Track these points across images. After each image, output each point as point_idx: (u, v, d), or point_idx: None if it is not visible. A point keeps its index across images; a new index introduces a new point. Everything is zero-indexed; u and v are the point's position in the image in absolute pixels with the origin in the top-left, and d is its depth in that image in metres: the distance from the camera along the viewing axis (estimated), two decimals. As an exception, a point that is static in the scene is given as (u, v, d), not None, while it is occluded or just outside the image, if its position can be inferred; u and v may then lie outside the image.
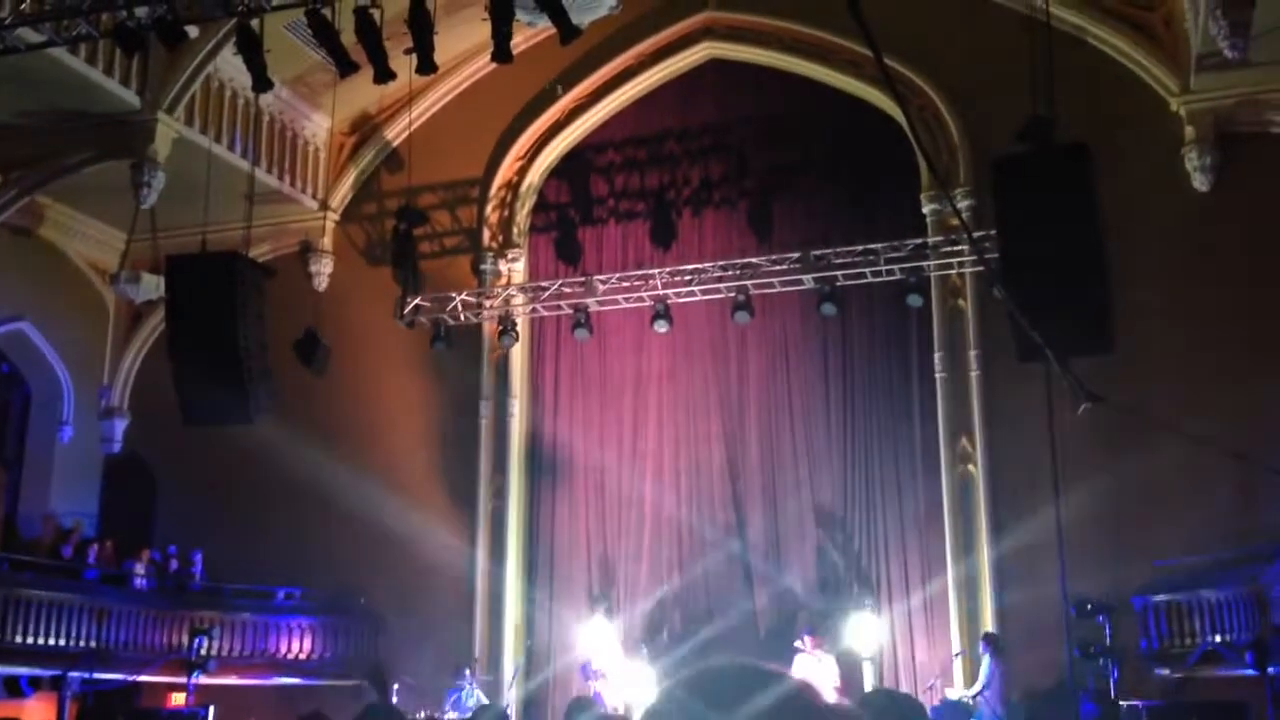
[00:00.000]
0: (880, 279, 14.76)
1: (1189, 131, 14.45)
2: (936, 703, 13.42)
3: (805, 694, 1.46)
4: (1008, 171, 10.76)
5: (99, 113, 14.61)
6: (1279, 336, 13.50)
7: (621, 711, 13.56)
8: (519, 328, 16.35)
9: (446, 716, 13.99)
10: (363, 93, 16.04)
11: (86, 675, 14.25)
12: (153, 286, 15.31)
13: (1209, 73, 13.93)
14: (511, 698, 15.31)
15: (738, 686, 1.43)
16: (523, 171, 17.48)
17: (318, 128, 17.70)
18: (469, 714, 13.47)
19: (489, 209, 17.44)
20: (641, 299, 15.54)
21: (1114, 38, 14.85)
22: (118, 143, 14.89)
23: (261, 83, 12.06)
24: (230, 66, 15.08)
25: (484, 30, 11.52)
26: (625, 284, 15.71)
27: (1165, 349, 13.80)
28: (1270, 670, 11.23)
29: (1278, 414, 13.17)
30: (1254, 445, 13.21)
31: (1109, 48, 14.89)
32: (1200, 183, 14.40)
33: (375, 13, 11.18)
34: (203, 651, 14.50)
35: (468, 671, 14.85)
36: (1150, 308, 13.50)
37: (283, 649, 16.01)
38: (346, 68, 12.26)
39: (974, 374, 15.01)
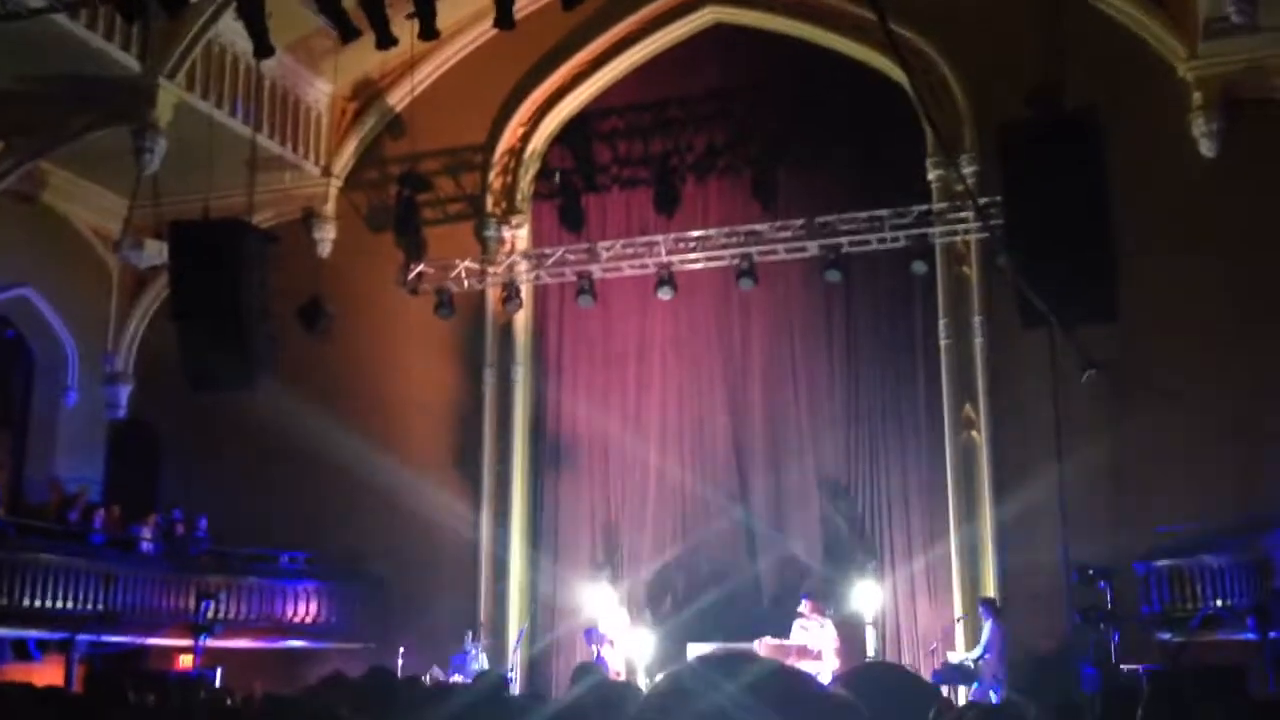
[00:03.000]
0: (885, 246, 14.73)
1: (1196, 97, 14.37)
2: (938, 666, 13.52)
3: (787, 670, 1.60)
4: (1013, 138, 10.71)
5: (100, 78, 14.54)
6: (1283, 303, 13.48)
7: (624, 677, 13.68)
8: (523, 294, 16.35)
9: (451, 680, 14.08)
10: (365, 58, 15.96)
11: (94, 638, 14.36)
12: (156, 253, 15.31)
13: (1216, 38, 13.85)
14: (515, 662, 15.42)
15: (735, 662, 1.53)
16: (526, 138, 17.42)
17: (320, 93, 17.62)
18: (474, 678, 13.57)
19: (492, 175, 17.39)
20: (645, 266, 15.52)
21: (1121, 2, 14.74)
22: (119, 108, 14.84)
23: (263, 48, 12.00)
24: (231, 32, 15.00)
25: (487, -6, 11.45)
26: (629, 251, 15.69)
27: (1170, 316, 13.77)
28: (1271, 635, 11.30)
29: (1281, 381, 13.18)
30: (1257, 412, 13.26)
31: (1116, 12, 14.79)
32: (1207, 148, 14.35)
33: (378, -23, 11.11)
34: (209, 615, 14.60)
35: (471, 636, 14.96)
36: (1156, 274, 13.46)
37: (289, 613, 16.12)
38: (348, 33, 12.21)
39: (978, 341, 15.00)
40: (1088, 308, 10.22)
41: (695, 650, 12.94)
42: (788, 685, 1.54)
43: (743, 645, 12.73)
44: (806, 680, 1.60)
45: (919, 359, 15.54)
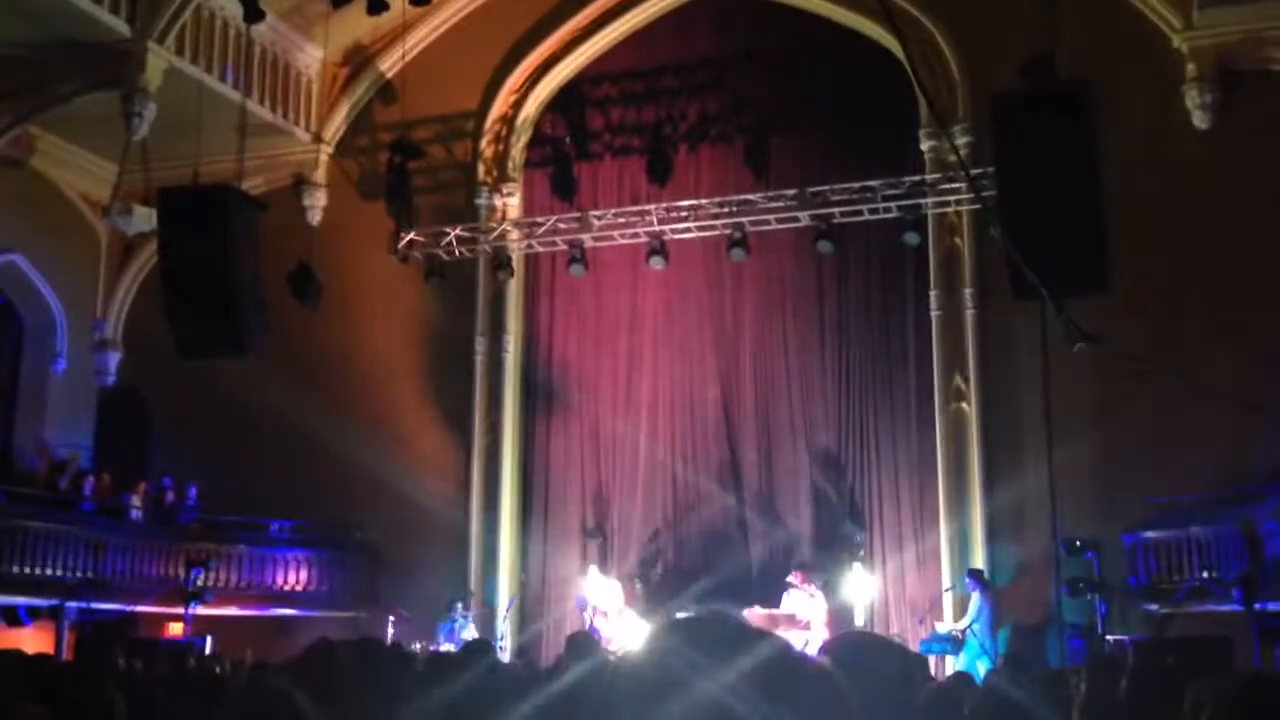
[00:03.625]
0: (877, 217, 14.69)
1: (1190, 69, 14.31)
2: (927, 636, 13.60)
3: (789, 654, 1.47)
4: (1007, 109, 10.67)
5: (89, 42, 14.42)
6: (1277, 276, 13.48)
7: (615, 645, 13.74)
8: (514, 263, 16.29)
9: (441, 648, 14.13)
10: (356, 23, 15.84)
11: (84, 605, 14.38)
12: (145, 219, 15.23)
13: (1212, 8, 13.79)
14: (505, 630, 15.47)
15: (727, 640, 1.44)
16: (518, 105, 17.30)
17: (310, 59, 17.48)
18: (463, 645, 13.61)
19: (484, 143, 17.29)
20: (637, 235, 15.47)
21: (1117, -28, 14.65)
22: (108, 72, 14.73)
23: (253, 13, 11.93)
24: (221, -5, 14.88)
25: (479, -40, 11.35)
26: (621, 220, 15.63)
27: (1162, 288, 13.78)
28: (1256, 606, 11.36)
29: (1274, 353, 13.20)
30: (1249, 385, 13.28)
31: (1112, -18, 14.70)
32: (1200, 120, 14.30)
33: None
34: (199, 583, 14.62)
35: (459, 605, 15.00)
36: (1148, 247, 13.46)
37: (279, 581, 16.15)
38: (340, -3, 12.13)
39: (969, 312, 15.00)
40: (1080, 280, 10.22)
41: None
42: (784, 668, 1.45)
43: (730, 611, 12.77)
44: (799, 660, 1.50)
45: (910, 330, 15.53)
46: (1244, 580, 11.42)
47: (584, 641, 6.38)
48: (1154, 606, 13.33)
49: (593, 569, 15.23)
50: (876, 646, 2.89)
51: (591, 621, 14.20)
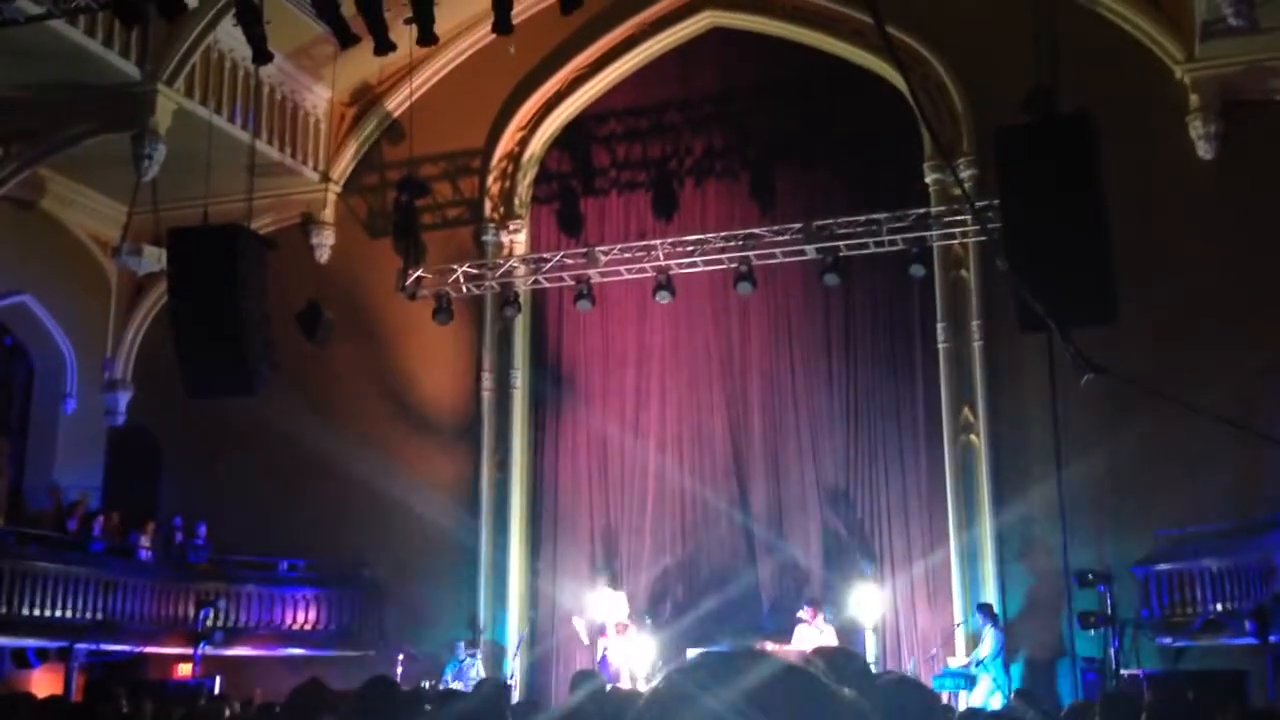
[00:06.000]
0: (883, 249, 14.71)
1: (1193, 99, 14.36)
2: (938, 672, 13.50)
3: (801, 671, 1.44)
4: (1010, 141, 10.70)
5: (99, 84, 14.55)
6: (1282, 306, 13.46)
7: (626, 676, 13.69)
8: (521, 299, 16.34)
9: (450, 686, 14.06)
10: (363, 63, 15.94)
11: (93, 647, 14.34)
12: (154, 259, 15.32)
13: (1214, 40, 13.85)
14: (515, 668, 15.40)
15: (732, 665, 1.42)
16: (524, 142, 17.41)
17: (318, 99, 17.62)
18: (471, 684, 13.56)
19: (490, 180, 17.38)
20: (644, 270, 15.50)
21: (1118, 4, 14.73)
22: (118, 114, 14.84)
23: (261, 55, 12.04)
24: (230, 38, 15.00)
25: (484, 0, 11.46)
26: (627, 255, 15.67)
27: (1168, 319, 13.76)
28: (1271, 639, 11.27)
29: (1280, 383, 13.16)
30: (1257, 414, 13.23)
31: (1113, 15, 14.78)
32: (1204, 151, 14.33)
33: (375, -17, 11.13)
34: (209, 623, 14.58)
35: (463, 645, 14.92)
36: (1153, 277, 13.46)
37: (288, 620, 16.10)
38: (347, 39, 12.25)
39: (976, 344, 14.99)
40: (1086, 311, 10.20)
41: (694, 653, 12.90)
42: (793, 689, 1.42)
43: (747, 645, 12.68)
44: (814, 682, 1.44)
45: (918, 362, 15.52)
46: (1257, 613, 11.33)
47: (590, 677, 6.35)
48: (1168, 640, 13.22)
49: (606, 597, 15.17)
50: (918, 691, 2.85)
51: (604, 653, 14.16)
